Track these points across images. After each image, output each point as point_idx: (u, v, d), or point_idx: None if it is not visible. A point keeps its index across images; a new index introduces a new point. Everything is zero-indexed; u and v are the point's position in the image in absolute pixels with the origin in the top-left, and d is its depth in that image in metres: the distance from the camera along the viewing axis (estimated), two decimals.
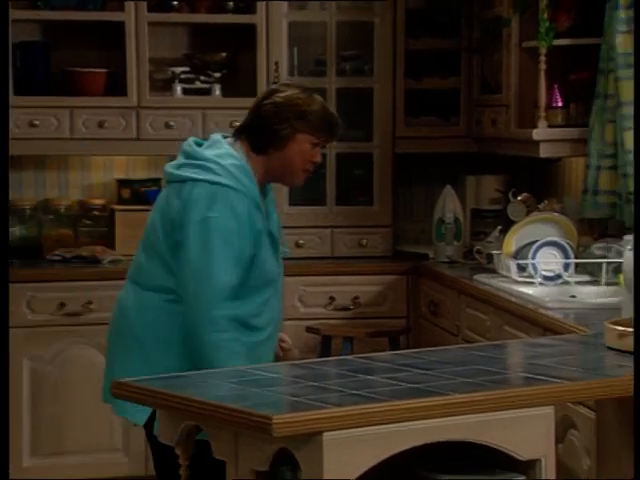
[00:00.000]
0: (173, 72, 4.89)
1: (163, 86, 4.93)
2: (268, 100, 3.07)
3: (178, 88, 4.88)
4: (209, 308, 2.94)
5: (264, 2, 4.85)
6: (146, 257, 3.08)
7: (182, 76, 4.89)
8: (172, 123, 4.83)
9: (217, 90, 4.91)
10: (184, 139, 4.78)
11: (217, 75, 4.92)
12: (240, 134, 3.10)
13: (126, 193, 5.00)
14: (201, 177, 2.99)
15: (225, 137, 3.13)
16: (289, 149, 3.05)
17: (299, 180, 3.13)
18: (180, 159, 3.09)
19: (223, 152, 3.05)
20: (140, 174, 5.07)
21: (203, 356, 2.95)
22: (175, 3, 4.88)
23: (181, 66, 4.91)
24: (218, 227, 2.94)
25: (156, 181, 5.02)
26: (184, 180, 3.02)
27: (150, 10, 4.81)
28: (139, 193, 4.95)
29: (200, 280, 2.94)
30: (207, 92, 4.91)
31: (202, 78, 4.91)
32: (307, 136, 3.05)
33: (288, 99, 3.05)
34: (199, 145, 3.11)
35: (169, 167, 3.10)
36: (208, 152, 3.04)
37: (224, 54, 4.93)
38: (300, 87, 3.13)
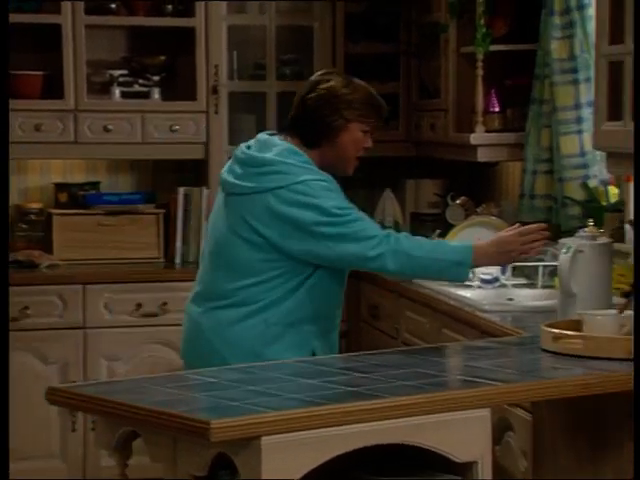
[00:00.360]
0: (111, 75, 4.86)
1: (101, 89, 4.89)
2: (313, 93, 3.04)
3: (116, 91, 4.85)
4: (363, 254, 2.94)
5: (203, 5, 4.82)
6: (218, 274, 3.04)
7: (120, 79, 4.86)
8: (110, 126, 4.79)
9: (156, 93, 4.88)
10: (122, 143, 4.88)
11: (156, 78, 4.88)
12: (287, 130, 3.07)
13: (64, 197, 4.95)
14: (274, 185, 2.95)
15: (271, 135, 3.09)
16: (342, 139, 3.04)
17: (351, 169, 3.11)
18: (237, 168, 3.03)
19: (281, 150, 3.01)
20: (78, 178, 5.02)
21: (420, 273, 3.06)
22: (113, 6, 4.84)
23: (119, 69, 4.87)
24: (330, 208, 2.94)
25: (94, 184, 4.98)
26: (259, 191, 2.97)
27: (87, 12, 4.76)
28: (77, 197, 4.91)
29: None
30: (146, 95, 4.88)
31: (141, 81, 4.87)
32: (357, 124, 3.03)
33: (334, 89, 3.03)
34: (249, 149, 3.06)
35: (229, 177, 3.04)
36: (267, 154, 3.00)
37: (163, 57, 4.90)
38: (341, 75, 3.11)
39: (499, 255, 3.04)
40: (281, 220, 2.95)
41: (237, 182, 3.02)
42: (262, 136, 3.09)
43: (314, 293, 3.01)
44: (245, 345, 2.99)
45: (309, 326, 3.02)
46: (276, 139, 3.06)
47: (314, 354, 3.01)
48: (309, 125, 3.03)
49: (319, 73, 3.14)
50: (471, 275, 3.94)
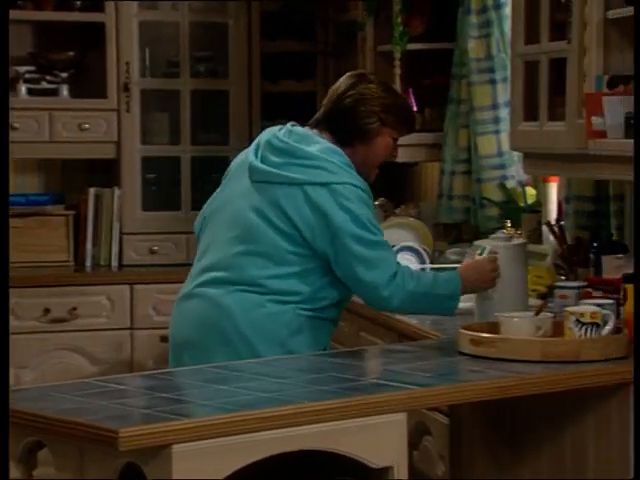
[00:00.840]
0: (17, 71, 4.77)
1: None
2: (352, 91, 2.99)
3: (23, 88, 4.76)
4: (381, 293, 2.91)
5: (113, 1, 4.75)
6: (247, 260, 2.94)
7: (27, 76, 4.78)
8: (17, 124, 4.69)
9: (65, 90, 4.80)
10: (29, 141, 4.76)
11: (64, 75, 4.81)
12: (320, 126, 3.01)
13: None
14: (319, 180, 2.89)
15: (305, 127, 3.03)
16: (375, 143, 3.00)
17: (373, 175, 3.07)
18: (273, 156, 2.95)
19: (324, 147, 2.96)
20: None
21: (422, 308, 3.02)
22: (19, 1, 4.75)
23: (26, 65, 4.78)
24: (364, 219, 2.89)
25: None
26: (302, 183, 2.90)
27: None
28: None
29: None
30: (54, 93, 4.80)
31: (48, 78, 4.80)
32: (391, 130, 3.01)
33: (374, 92, 3.00)
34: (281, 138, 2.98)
35: (261, 164, 2.96)
36: (311, 148, 2.94)
37: (71, 53, 4.82)
38: (378, 79, 3.08)
39: (479, 283, 3.01)
40: (317, 215, 2.90)
41: (274, 171, 2.94)
42: (297, 128, 3.02)
43: (341, 292, 2.98)
44: (271, 331, 2.92)
45: (328, 323, 3.00)
46: (315, 134, 3.00)
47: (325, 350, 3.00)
48: (344, 123, 2.99)
49: (357, 72, 3.11)
50: None
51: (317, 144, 2.97)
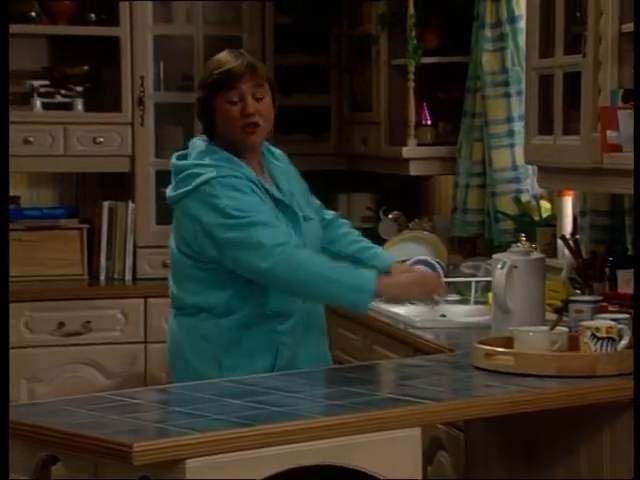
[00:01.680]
0: (32, 85, 4.77)
1: (21, 100, 4.79)
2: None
3: (37, 102, 4.76)
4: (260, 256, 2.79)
5: (128, 14, 4.75)
6: (171, 282, 3.00)
7: (42, 90, 4.78)
8: (31, 138, 4.69)
9: (79, 104, 4.80)
10: (43, 155, 4.77)
11: (79, 89, 4.80)
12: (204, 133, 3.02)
13: None
14: (188, 188, 2.87)
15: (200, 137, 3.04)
16: (215, 115, 2.93)
17: (247, 136, 2.93)
18: (172, 179, 2.98)
19: (198, 151, 2.94)
20: None
21: (308, 293, 2.84)
22: (33, 14, 4.76)
23: (40, 79, 4.78)
24: (229, 207, 2.83)
25: (14, 199, 4.87)
26: (179, 198, 2.90)
27: None
28: None
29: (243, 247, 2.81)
30: (68, 106, 4.79)
31: (63, 92, 4.79)
32: (218, 101, 2.91)
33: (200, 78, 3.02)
34: (184, 158, 2.98)
35: (168, 191, 2.98)
36: (186, 160, 2.94)
37: (86, 67, 4.82)
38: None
39: (411, 286, 2.89)
40: (194, 224, 2.89)
41: (169, 194, 2.97)
42: (192, 142, 3.03)
43: (258, 292, 2.90)
44: (206, 351, 2.91)
45: (269, 335, 2.90)
46: (198, 140, 3.00)
47: (279, 354, 2.90)
48: (200, 120, 2.99)
49: None
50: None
51: (194, 151, 2.95)
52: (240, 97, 2.92)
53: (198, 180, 2.87)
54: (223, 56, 2.97)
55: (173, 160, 2.99)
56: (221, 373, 2.85)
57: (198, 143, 2.99)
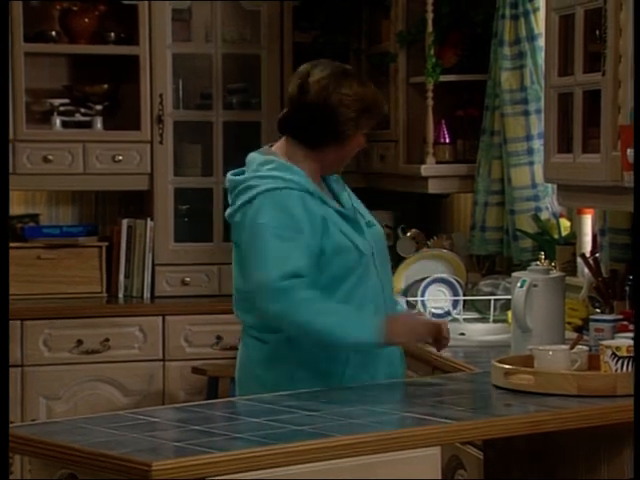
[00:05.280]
0: (52, 104, 4.79)
1: (41, 119, 4.82)
2: (324, 94, 2.84)
3: (57, 121, 4.78)
4: (268, 284, 2.74)
5: (147, 33, 4.76)
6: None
7: (61, 108, 4.80)
8: (51, 157, 4.71)
9: (98, 123, 4.82)
10: (63, 174, 4.79)
11: (98, 107, 4.82)
12: (290, 132, 2.91)
13: None
14: (240, 202, 2.84)
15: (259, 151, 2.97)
16: (349, 144, 2.90)
17: (342, 168, 2.99)
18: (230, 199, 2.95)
19: (255, 165, 2.87)
20: (16, 210, 4.92)
21: (308, 336, 2.77)
22: (53, 33, 4.78)
23: (60, 98, 4.80)
24: (268, 227, 2.78)
25: (33, 217, 4.89)
26: (231, 215, 2.89)
27: (27, 40, 4.69)
28: (15, 230, 4.81)
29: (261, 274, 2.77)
30: (88, 125, 4.82)
31: (82, 110, 4.82)
32: (364, 129, 2.91)
33: (349, 97, 2.85)
34: (241, 174, 2.94)
35: (227, 211, 2.96)
36: (242, 176, 2.89)
37: (105, 86, 4.84)
38: (353, 74, 2.93)
39: (411, 333, 2.86)
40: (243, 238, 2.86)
41: (227, 213, 2.94)
42: (248, 157, 2.96)
43: None
44: (248, 367, 2.90)
45: (296, 353, 2.85)
46: (254, 154, 2.93)
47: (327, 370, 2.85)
48: (317, 129, 2.87)
49: (330, 72, 2.89)
50: (422, 309, 3.89)
51: (252, 164, 2.88)
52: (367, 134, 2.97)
53: (253, 192, 2.83)
54: (379, 96, 2.94)
55: (229, 176, 2.94)
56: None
57: (254, 156, 2.93)
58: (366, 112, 2.89)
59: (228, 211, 2.93)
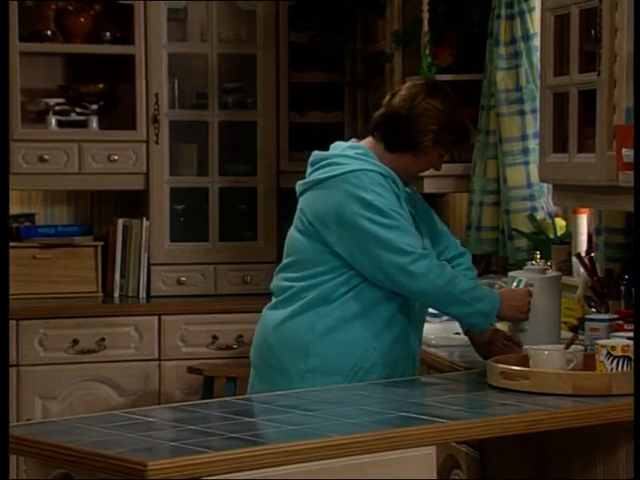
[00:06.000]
0: (47, 104, 4.79)
1: (36, 118, 4.82)
2: (414, 103, 2.95)
3: (52, 120, 4.77)
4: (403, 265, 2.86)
5: (142, 32, 4.76)
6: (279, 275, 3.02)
7: (57, 108, 4.79)
8: (46, 156, 4.71)
9: (94, 122, 4.82)
10: (59, 173, 4.78)
11: (94, 107, 4.82)
12: (375, 131, 3.01)
13: None
14: (325, 175, 2.91)
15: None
16: (424, 157, 2.99)
17: (412, 180, 3.09)
18: (308, 171, 3.01)
19: (343, 146, 2.99)
20: (12, 209, 4.91)
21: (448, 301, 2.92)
22: (49, 33, 4.78)
23: (56, 97, 4.80)
24: (377, 203, 2.86)
25: (29, 216, 4.88)
26: (314, 185, 2.94)
27: (22, 39, 4.69)
28: (11, 229, 4.81)
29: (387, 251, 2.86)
30: (83, 124, 4.81)
31: (78, 110, 4.81)
32: (441, 148, 3.00)
33: (435, 108, 2.95)
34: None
35: (299, 184, 3.03)
36: (328, 152, 2.99)
37: (101, 85, 4.84)
38: (446, 91, 3.02)
39: (514, 311, 2.98)
40: (327, 210, 2.90)
41: (299, 182, 3.01)
42: (333, 144, 3.06)
43: (364, 290, 2.94)
44: (296, 339, 2.93)
45: (362, 326, 2.93)
46: (342, 142, 3.04)
47: (368, 356, 2.93)
48: (398, 133, 2.96)
49: (424, 82, 3.06)
50: None
51: (338, 147, 3.00)
52: (443, 156, 3.03)
53: (340, 169, 2.91)
54: (465, 119, 3.03)
55: (313, 153, 3.01)
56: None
57: (340, 142, 3.04)
58: (448, 129, 2.96)
59: (306, 180, 2.98)
